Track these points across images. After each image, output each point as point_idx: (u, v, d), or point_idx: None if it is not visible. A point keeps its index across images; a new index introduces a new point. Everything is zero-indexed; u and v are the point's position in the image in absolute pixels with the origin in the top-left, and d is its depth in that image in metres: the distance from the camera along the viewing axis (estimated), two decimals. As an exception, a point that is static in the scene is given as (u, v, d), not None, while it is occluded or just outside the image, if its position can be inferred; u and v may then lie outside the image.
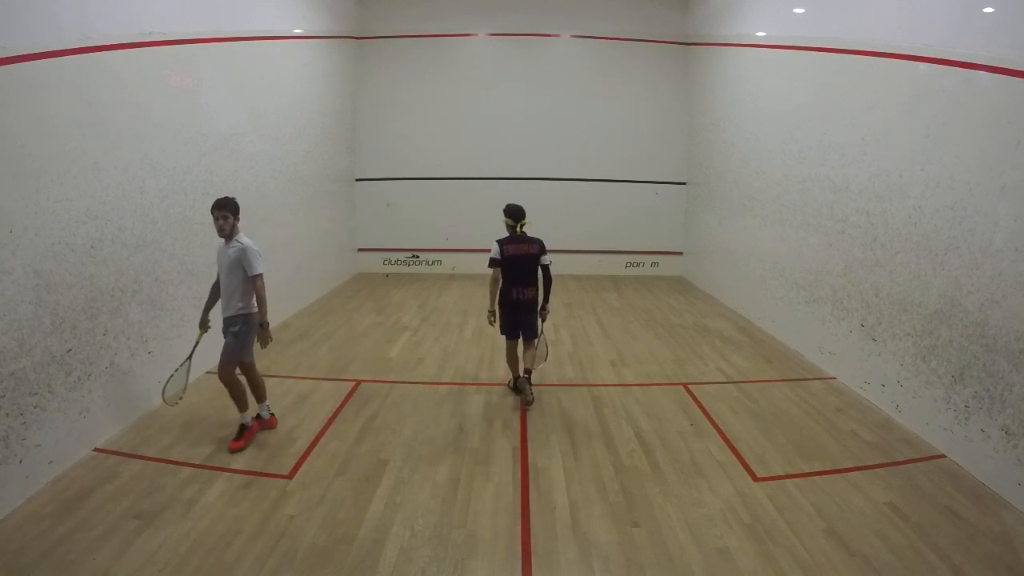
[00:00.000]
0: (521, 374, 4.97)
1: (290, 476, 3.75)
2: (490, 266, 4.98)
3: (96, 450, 3.97)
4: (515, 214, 4.94)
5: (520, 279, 4.92)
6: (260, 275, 4.05)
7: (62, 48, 3.74)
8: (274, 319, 7.17)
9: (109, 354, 4.20)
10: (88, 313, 3.98)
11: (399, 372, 5.64)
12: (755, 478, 3.78)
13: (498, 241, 4.98)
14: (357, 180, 10.36)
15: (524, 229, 4.98)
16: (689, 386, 5.34)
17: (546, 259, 4.94)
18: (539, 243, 4.96)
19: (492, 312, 5.01)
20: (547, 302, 5.02)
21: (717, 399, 5.03)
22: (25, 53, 3.46)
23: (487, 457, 4.03)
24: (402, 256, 10.65)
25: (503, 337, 5.15)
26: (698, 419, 4.65)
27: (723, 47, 8.65)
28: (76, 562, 2.91)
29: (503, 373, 5.61)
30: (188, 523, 3.23)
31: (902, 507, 3.44)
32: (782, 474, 3.84)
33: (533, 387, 4.88)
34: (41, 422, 3.55)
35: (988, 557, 3.01)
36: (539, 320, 5.00)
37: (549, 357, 5.51)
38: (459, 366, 5.83)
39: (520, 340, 5.03)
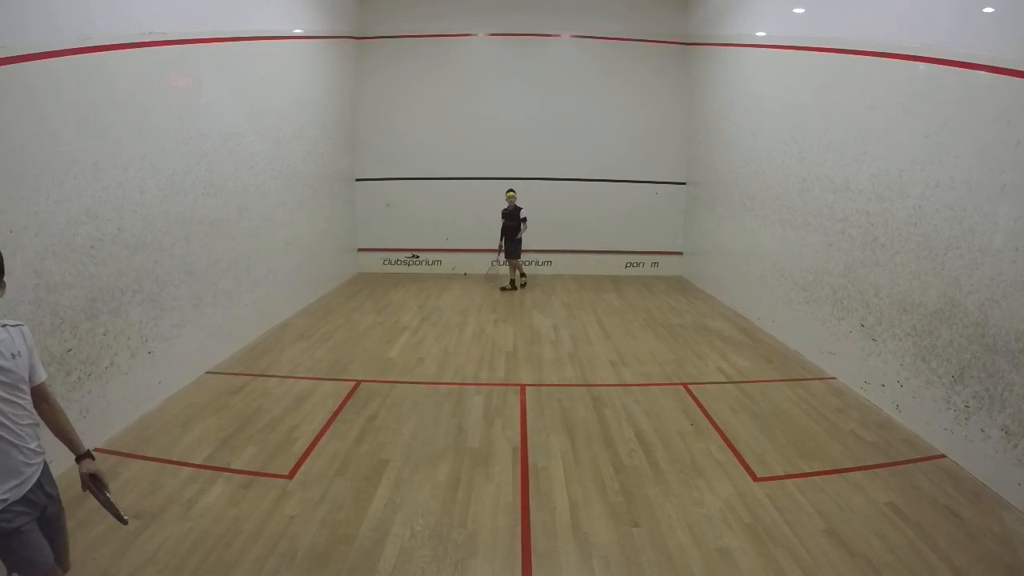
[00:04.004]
0: (520, 279, 9.39)
1: (290, 476, 3.75)
2: (502, 217, 9.26)
3: (96, 450, 3.96)
4: (512, 190, 9.30)
5: (509, 224, 9.26)
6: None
7: (62, 48, 3.74)
8: (274, 319, 7.33)
9: (109, 354, 4.20)
10: (88, 313, 3.98)
11: (399, 372, 5.64)
12: (755, 478, 3.78)
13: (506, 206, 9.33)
14: (357, 180, 10.37)
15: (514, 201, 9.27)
16: (689, 386, 5.34)
17: (523, 213, 9.15)
18: (520, 208, 9.21)
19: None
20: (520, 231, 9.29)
21: (717, 399, 5.03)
22: (25, 53, 3.46)
23: (487, 457, 4.03)
24: (402, 256, 10.65)
25: (503, 338, 6.71)
26: (698, 419, 4.65)
27: (723, 47, 8.65)
28: (76, 562, 2.90)
29: (503, 373, 5.63)
30: (188, 523, 3.23)
31: (902, 507, 3.44)
32: (782, 474, 3.84)
33: (525, 283, 9.48)
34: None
35: (988, 557, 3.01)
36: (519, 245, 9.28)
37: (549, 356, 6.12)
38: (459, 366, 5.83)
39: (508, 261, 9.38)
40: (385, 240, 10.60)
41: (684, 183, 10.39)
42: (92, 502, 3.35)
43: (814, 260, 6.02)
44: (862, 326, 5.19)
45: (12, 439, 2.05)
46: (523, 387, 5.28)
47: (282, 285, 7.26)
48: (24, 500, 2.09)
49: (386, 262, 10.66)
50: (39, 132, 3.58)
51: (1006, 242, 3.69)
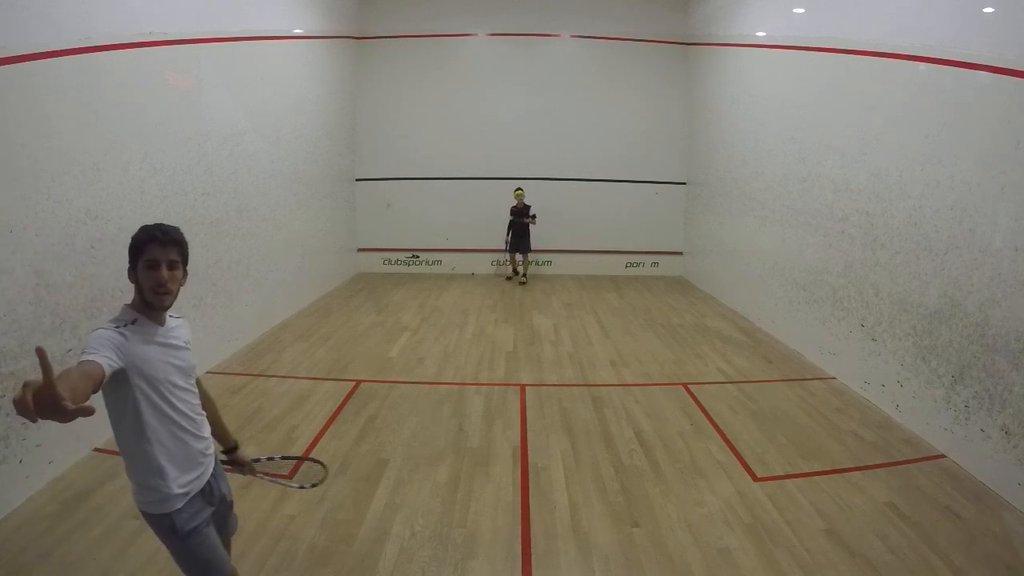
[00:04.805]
0: (519, 276, 9.92)
1: (290, 476, 3.75)
2: (511, 215, 9.69)
3: (96, 450, 3.97)
4: (520, 189, 9.74)
5: (519, 221, 9.67)
6: None
7: (62, 48, 3.74)
8: (274, 319, 7.32)
9: (109, 354, 4.19)
10: (88, 313, 3.98)
11: (399, 372, 5.64)
12: (755, 478, 3.78)
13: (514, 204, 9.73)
14: (357, 180, 10.37)
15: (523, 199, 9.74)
16: (689, 386, 5.34)
17: (532, 210, 9.60)
18: (528, 206, 9.63)
19: (507, 239, 9.83)
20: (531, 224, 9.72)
21: (717, 399, 5.03)
22: (25, 53, 3.46)
23: (487, 457, 4.03)
24: (402, 256, 10.65)
25: (503, 338, 6.72)
26: (698, 419, 4.65)
27: (723, 47, 8.65)
28: (76, 562, 2.91)
29: (503, 373, 5.63)
30: (188, 523, 3.22)
31: (902, 507, 3.44)
32: (782, 474, 3.84)
33: (525, 282, 9.82)
34: (41, 422, 3.54)
35: (988, 557, 3.01)
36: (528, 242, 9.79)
37: (549, 356, 6.12)
38: (459, 366, 5.83)
39: (517, 255, 9.88)
40: (385, 240, 10.60)
41: (684, 183, 10.39)
42: (92, 502, 3.39)
43: (814, 260, 6.02)
44: (862, 326, 5.19)
45: (192, 429, 2.00)
46: (523, 387, 5.28)
47: (282, 285, 7.26)
48: (202, 493, 2.04)
49: (386, 262, 10.66)
50: (39, 132, 3.58)
51: (1006, 242, 3.69)
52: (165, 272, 1.92)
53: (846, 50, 5.45)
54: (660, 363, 5.96)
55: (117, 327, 1.87)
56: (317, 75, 8.51)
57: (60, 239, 3.73)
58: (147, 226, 1.95)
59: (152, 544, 3.04)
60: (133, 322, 1.91)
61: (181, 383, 1.97)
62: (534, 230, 9.71)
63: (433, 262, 10.62)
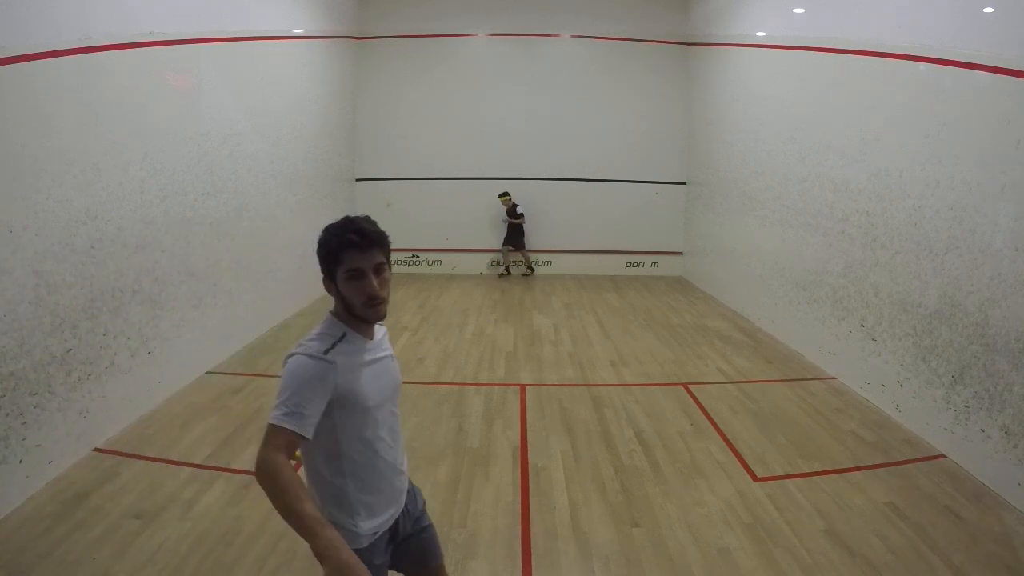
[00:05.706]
0: (524, 268, 10.38)
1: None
2: (509, 216, 10.13)
3: (96, 450, 3.97)
4: (507, 193, 10.03)
5: (515, 223, 10.15)
6: None
7: (62, 48, 3.74)
8: (274, 319, 7.32)
9: (109, 354, 4.20)
10: (88, 313, 3.98)
11: (399, 372, 5.63)
12: (755, 478, 3.78)
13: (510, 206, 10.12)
14: (357, 180, 10.36)
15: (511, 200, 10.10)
16: (689, 386, 5.34)
17: (520, 209, 10.00)
18: (516, 205, 10.01)
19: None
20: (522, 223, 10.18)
21: (717, 399, 5.03)
22: (25, 53, 3.46)
23: (487, 457, 4.03)
24: (402, 256, 10.65)
25: (503, 338, 6.76)
26: (698, 419, 4.65)
27: (723, 47, 8.65)
28: (76, 562, 2.91)
29: (503, 373, 5.63)
30: (188, 523, 3.22)
31: (902, 507, 3.44)
32: (782, 474, 3.84)
33: (530, 273, 10.39)
34: (41, 422, 3.55)
35: (988, 557, 3.01)
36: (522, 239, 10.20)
37: (549, 356, 6.14)
38: (459, 366, 5.83)
39: (518, 254, 10.26)
40: (385, 240, 10.60)
41: (684, 183, 10.39)
42: (92, 502, 3.39)
43: (814, 260, 6.02)
44: (862, 326, 5.19)
45: (394, 461, 1.71)
46: (523, 387, 5.28)
47: (282, 285, 7.25)
48: (390, 529, 1.75)
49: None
50: (39, 132, 3.58)
51: (1006, 242, 3.69)
52: (374, 281, 1.57)
53: (846, 50, 5.45)
54: (660, 363, 5.96)
55: (325, 352, 1.56)
56: (317, 75, 8.51)
57: (60, 239, 3.73)
58: (336, 228, 1.60)
59: (152, 544, 3.05)
60: (341, 338, 1.60)
61: (390, 407, 1.70)
62: (527, 228, 9.98)
63: (433, 262, 10.62)
